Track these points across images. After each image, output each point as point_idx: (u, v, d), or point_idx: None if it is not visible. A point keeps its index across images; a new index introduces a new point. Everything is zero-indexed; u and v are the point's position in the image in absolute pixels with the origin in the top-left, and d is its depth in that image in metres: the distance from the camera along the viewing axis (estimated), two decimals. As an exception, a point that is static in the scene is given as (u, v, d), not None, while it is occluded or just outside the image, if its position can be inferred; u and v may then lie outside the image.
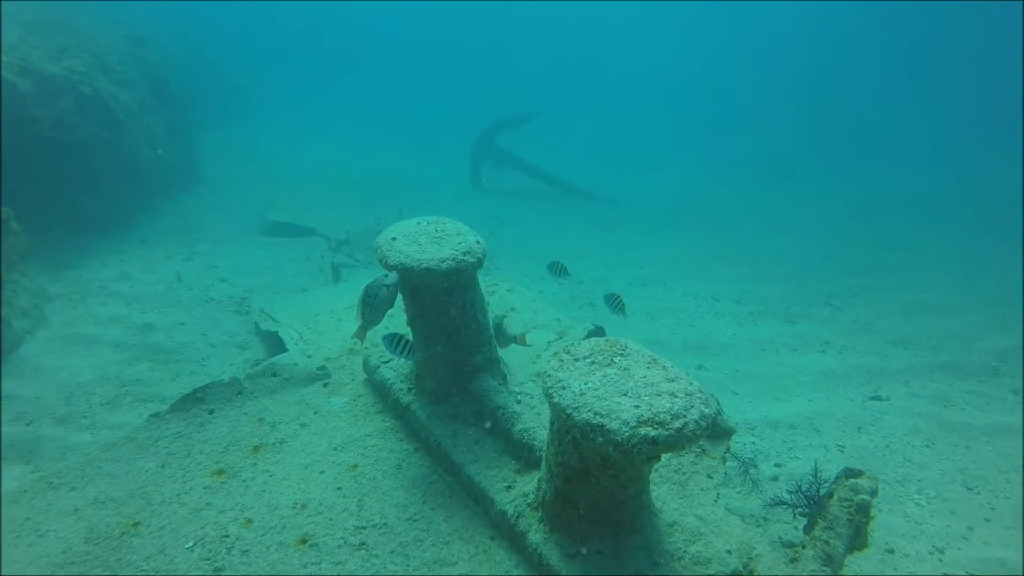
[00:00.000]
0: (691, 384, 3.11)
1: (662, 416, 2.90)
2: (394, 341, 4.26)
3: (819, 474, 4.27)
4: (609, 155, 24.61)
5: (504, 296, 6.86)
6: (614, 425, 2.88)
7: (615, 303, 5.64)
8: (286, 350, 6.01)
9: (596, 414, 2.94)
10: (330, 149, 22.01)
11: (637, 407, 2.95)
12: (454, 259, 4.18)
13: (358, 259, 10.75)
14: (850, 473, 4.27)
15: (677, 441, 2.88)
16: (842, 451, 6.02)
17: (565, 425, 3.08)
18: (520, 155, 17.78)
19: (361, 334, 4.13)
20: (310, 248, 11.21)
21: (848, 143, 29.02)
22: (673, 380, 3.13)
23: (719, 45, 43.14)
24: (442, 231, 4.49)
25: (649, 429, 2.86)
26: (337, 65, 41.08)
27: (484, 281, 7.25)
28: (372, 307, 4.12)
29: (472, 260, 4.24)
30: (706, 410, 2.99)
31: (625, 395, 3.03)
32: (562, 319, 6.36)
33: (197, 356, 6.95)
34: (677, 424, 2.89)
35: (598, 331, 5.95)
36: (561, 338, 5.76)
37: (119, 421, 5.53)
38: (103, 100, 10.58)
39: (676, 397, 3.00)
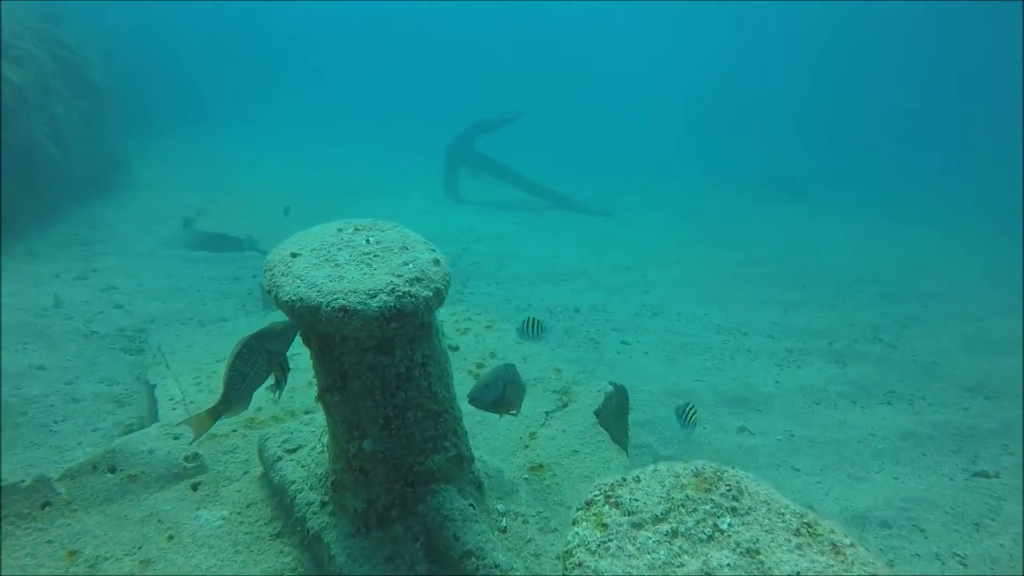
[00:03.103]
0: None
1: None
2: None
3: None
4: (600, 164, 23.13)
5: (481, 336, 5.11)
6: None
7: (687, 415, 4.61)
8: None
9: None
10: (292, 155, 20.38)
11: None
12: (393, 291, 2.47)
13: (301, 279, 8.95)
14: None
15: None
16: (964, 565, 4.33)
17: None
18: (502, 161, 16.10)
19: (206, 422, 2.46)
20: (241, 266, 9.41)
21: (846, 151, 28.07)
22: (865, 586, 1.40)
23: (713, 51, 42.09)
24: (377, 243, 2.79)
25: None
26: (310, 68, 39.43)
27: (454, 313, 5.52)
28: (240, 380, 2.44)
29: (425, 294, 2.53)
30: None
31: (766, 633, 1.30)
32: (563, 370, 4.62)
33: (48, 417, 5.11)
34: None
35: (619, 392, 4.22)
36: (565, 405, 4.01)
37: None
38: (-19, 78, 8.74)
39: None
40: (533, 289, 9.44)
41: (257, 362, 2.47)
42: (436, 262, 2.68)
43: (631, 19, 47.17)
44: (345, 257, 2.69)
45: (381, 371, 2.63)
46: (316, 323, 2.49)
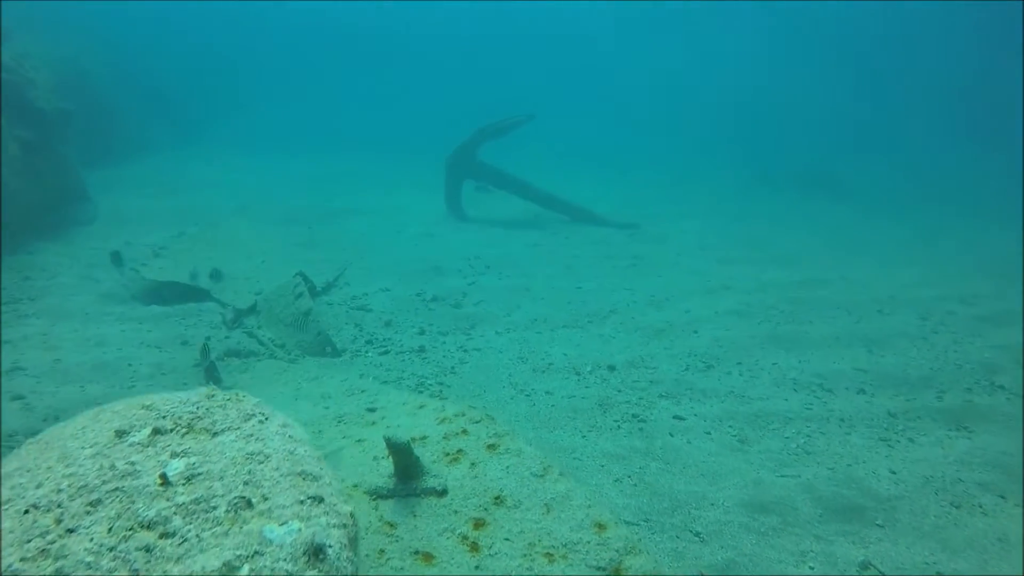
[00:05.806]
0: None
1: None
2: None
3: None
4: (619, 167, 21.51)
5: (481, 464, 3.47)
6: None
7: None
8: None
9: None
10: (281, 172, 18.93)
11: None
12: None
13: (264, 339, 7.38)
14: None
15: None
16: None
17: None
18: (511, 171, 14.48)
19: None
20: (196, 322, 7.85)
21: (881, 145, 26.26)
22: None
23: (739, 47, 40.20)
24: (188, 481, 1.16)
25: None
26: (306, 73, 38.06)
27: (442, 419, 3.90)
28: None
29: None
30: None
31: None
32: (609, 527, 3.00)
33: None
34: None
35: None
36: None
37: None
38: None
39: None
40: (553, 337, 7.79)
41: None
42: (314, 554, 1.06)
43: (649, 15, 45.46)
44: (93, 539, 1.08)
45: None
46: None
